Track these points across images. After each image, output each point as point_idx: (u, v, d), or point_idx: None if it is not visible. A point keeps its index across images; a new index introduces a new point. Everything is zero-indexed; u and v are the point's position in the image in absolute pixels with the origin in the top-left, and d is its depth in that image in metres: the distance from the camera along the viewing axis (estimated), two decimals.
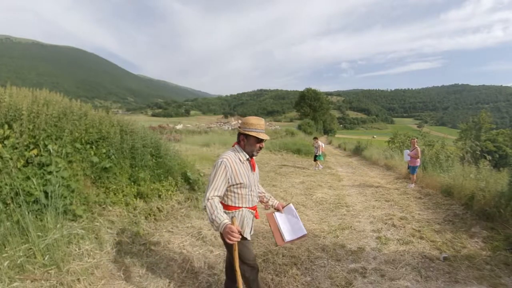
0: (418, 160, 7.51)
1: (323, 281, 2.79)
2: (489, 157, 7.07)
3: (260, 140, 1.97)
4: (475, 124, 30.45)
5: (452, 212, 5.03)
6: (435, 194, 6.35)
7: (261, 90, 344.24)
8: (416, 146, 7.62)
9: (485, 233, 3.95)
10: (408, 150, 7.92)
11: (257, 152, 2.01)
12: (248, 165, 2.02)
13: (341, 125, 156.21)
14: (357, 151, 19.88)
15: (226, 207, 1.97)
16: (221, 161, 1.89)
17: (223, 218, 1.72)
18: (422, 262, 3.21)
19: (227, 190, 1.95)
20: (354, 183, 8.36)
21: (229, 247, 1.99)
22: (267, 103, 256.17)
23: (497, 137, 26.86)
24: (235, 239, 1.65)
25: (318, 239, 3.82)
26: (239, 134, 2.01)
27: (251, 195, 2.03)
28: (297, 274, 2.88)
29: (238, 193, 1.96)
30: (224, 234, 1.67)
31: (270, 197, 2.30)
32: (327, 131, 62.47)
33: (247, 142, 1.98)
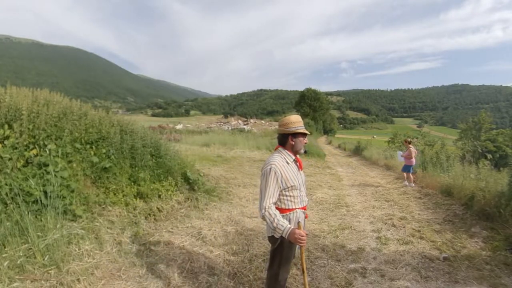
0: (413, 159, 7.65)
1: (323, 281, 2.79)
2: (490, 156, 7.07)
3: (304, 136, 2.03)
4: (475, 124, 30.44)
5: (452, 212, 5.02)
6: (435, 194, 6.34)
7: (261, 90, 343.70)
8: (409, 146, 7.77)
9: (485, 233, 3.95)
10: (401, 152, 8.21)
11: (303, 148, 2.06)
12: (295, 165, 2.03)
13: (341, 125, 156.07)
14: (357, 151, 19.87)
15: (280, 210, 1.97)
16: (270, 168, 1.89)
17: (286, 223, 1.80)
18: (422, 262, 3.21)
19: (279, 194, 1.95)
20: (354, 183, 8.36)
21: (281, 248, 1.98)
22: (267, 103, 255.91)
23: (497, 137, 26.82)
24: (304, 242, 1.77)
25: (318, 239, 3.82)
26: (285, 135, 2.00)
27: (301, 195, 2.04)
28: (297, 274, 2.88)
29: (290, 195, 1.96)
30: (293, 240, 1.77)
31: None
32: (327, 131, 62.48)
33: (294, 141, 2.00)
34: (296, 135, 1.99)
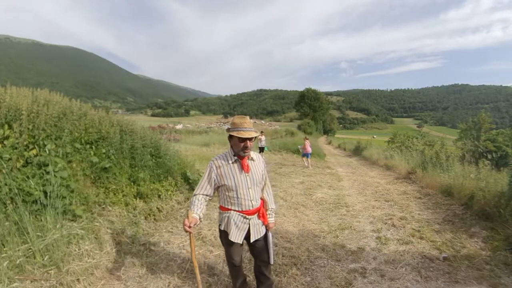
0: (308, 149, 11.40)
1: (323, 281, 2.78)
2: (490, 156, 7.07)
3: (243, 139, 1.88)
4: (475, 124, 30.46)
5: (452, 212, 5.02)
6: (435, 194, 6.34)
7: (260, 90, 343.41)
8: (305, 141, 11.89)
9: (485, 233, 3.95)
10: (300, 146, 12.42)
11: (244, 152, 1.93)
12: (236, 166, 1.98)
13: (341, 125, 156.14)
14: (357, 151, 19.89)
15: (220, 207, 2.12)
16: (209, 163, 2.04)
17: (192, 211, 1.94)
18: (422, 262, 3.21)
19: (219, 191, 2.08)
20: (354, 183, 8.35)
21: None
22: (267, 103, 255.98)
23: (497, 137, 26.83)
24: (187, 230, 1.84)
25: (318, 239, 3.82)
26: (229, 135, 1.99)
27: (239, 198, 1.97)
28: (297, 274, 2.88)
29: (226, 195, 2.03)
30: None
31: (272, 212, 2.24)
32: (327, 131, 62.52)
33: (232, 143, 1.98)
34: (232, 136, 1.94)
